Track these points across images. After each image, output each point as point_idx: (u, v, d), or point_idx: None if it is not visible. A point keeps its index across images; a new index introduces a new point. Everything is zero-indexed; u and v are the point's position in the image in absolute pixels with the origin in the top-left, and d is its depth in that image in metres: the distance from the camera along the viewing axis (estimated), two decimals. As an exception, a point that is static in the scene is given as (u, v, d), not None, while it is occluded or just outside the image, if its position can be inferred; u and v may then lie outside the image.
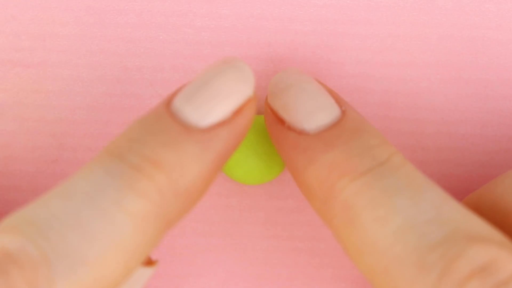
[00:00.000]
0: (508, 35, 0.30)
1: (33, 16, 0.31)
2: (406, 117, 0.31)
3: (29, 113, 0.31)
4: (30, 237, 0.22)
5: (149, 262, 0.26)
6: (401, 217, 0.23)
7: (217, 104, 0.24)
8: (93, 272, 0.22)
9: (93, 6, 0.31)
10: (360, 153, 0.24)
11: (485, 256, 0.22)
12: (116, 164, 0.23)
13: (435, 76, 0.31)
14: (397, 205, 0.23)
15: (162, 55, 0.31)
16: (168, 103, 0.25)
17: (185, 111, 0.24)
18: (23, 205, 0.30)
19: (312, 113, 0.25)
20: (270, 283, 0.31)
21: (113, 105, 0.31)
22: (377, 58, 0.31)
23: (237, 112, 0.25)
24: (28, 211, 0.23)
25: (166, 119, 0.24)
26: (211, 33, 0.31)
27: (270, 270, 0.31)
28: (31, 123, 0.31)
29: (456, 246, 0.22)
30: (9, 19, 0.31)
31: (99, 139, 0.31)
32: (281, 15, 0.31)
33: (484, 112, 0.31)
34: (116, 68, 0.31)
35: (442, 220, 0.23)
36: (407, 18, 0.31)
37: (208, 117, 0.24)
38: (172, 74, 0.31)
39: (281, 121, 0.26)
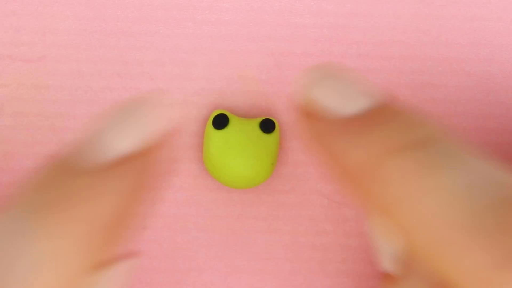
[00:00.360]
0: (510, 27, 0.30)
1: (32, 11, 0.31)
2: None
3: (29, 108, 0.31)
4: None
5: (128, 256, 0.26)
6: (452, 185, 0.22)
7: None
8: None
9: (93, 0, 0.31)
10: (404, 129, 0.23)
11: None
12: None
13: (436, 68, 0.30)
14: (447, 173, 0.22)
15: (162, 49, 0.31)
16: None
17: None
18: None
19: (353, 97, 0.24)
20: (272, 278, 0.30)
21: (114, 99, 0.31)
22: (378, 51, 0.31)
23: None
24: None
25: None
26: (212, 26, 0.31)
27: (272, 264, 0.30)
28: (31, 118, 0.31)
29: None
30: (9, 14, 0.31)
31: (99, 134, 0.30)
32: (282, 8, 0.31)
33: (486, 104, 0.30)
34: (117, 62, 0.31)
35: (494, 184, 0.22)
36: (408, 10, 0.31)
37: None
38: (173, 68, 0.31)
39: (316, 111, 0.25)
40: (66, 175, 0.23)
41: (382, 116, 0.24)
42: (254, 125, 0.29)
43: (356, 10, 0.31)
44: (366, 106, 0.24)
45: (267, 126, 0.29)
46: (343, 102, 0.24)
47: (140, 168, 0.24)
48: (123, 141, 0.23)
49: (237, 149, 0.29)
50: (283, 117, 0.30)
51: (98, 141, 0.23)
